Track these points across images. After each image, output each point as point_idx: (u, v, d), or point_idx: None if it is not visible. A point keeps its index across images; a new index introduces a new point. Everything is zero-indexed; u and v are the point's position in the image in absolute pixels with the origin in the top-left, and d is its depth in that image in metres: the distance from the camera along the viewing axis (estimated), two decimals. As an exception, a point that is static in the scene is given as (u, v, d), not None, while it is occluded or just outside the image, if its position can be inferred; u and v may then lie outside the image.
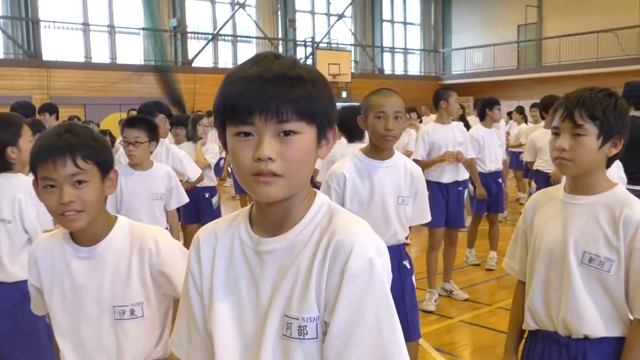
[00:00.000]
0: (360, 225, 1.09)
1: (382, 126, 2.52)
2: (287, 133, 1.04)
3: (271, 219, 1.12)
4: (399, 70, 24.77)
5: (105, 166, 1.56)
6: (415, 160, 4.98)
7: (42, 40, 16.71)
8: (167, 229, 3.48)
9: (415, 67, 25.29)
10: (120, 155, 4.39)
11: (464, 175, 5.18)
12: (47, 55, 16.67)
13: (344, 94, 20.90)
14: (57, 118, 7.54)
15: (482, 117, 6.12)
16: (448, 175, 5.05)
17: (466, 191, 6.02)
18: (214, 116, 1.10)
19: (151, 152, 3.52)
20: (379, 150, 2.61)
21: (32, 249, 1.68)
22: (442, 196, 5.03)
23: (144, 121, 3.47)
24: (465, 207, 5.44)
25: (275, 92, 1.02)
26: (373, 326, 1.02)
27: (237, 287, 1.13)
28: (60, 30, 17.19)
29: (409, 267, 2.69)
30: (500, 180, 6.13)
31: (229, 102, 1.05)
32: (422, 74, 25.05)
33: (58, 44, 16.87)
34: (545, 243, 1.83)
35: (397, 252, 2.67)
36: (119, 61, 17.97)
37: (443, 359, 3.99)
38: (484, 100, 6.19)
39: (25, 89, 15.37)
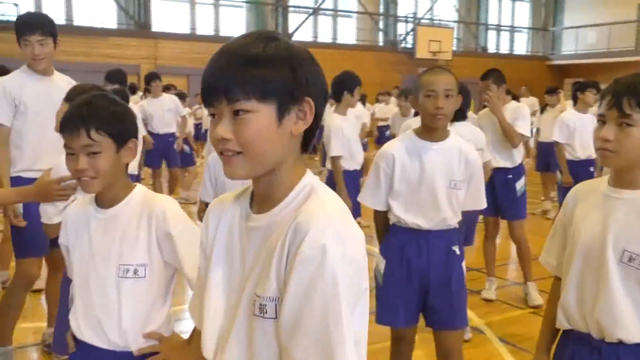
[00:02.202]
0: (327, 210, 1.05)
1: (432, 105, 2.44)
2: (237, 112, 1.04)
3: (257, 196, 1.15)
4: (504, 49, 23.77)
5: (121, 138, 1.66)
6: None
7: (152, 11, 17.50)
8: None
9: (521, 46, 24.16)
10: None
11: (510, 162, 4.55)
12: (156, 26, 17.46)
13: (444, 72, 20.40)
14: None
15: (574, 100, 5.81)
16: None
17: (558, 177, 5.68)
18: None
19: None
20: (430, 130, 2.52)
21: (66, 210, 1.83)
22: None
23: None
24: (517, 197, 4.65)
25: (223, 72, 1.04)
26: (319, 315, 0.99)
27: (231, 259, 1.17)
28: (168, 2, 17.92)
29: (458, 252, 2.60)
30: (591, 169, 5.76)
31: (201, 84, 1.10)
32: (529, 53, 23.90)
33: (166, 16, 17.62)
34: (582, 238, 1.71)
35: (446, 237, 2.58)
36: (222, 33, 18.51)
37: (506, 350, 3.87)
38: (576, 83, 5.87)
39: (134, 59, 16.22)
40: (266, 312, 1.06)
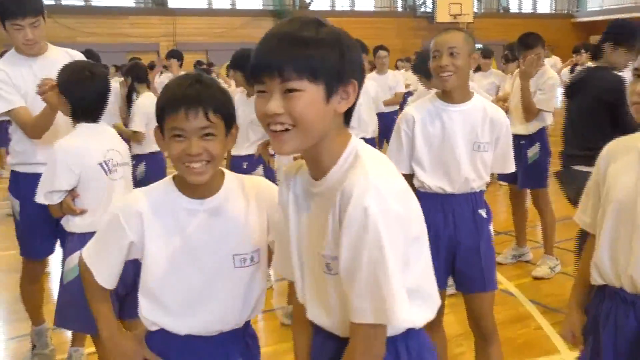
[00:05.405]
0: (368, 172, 1.15)
1: (437, 64, 2.40)
2: (290, 90, 1.13)
3: (309, 165, 1.27)
4: (527, 9, 23.21)
5: (230, 120, 1.50)
6: None
7: (168, -12, 17.44)
8: None
9: (545, 4, 23.55)
10: None
11: (525, 129, 4.36)
12: (173, 3, 17.42)
13: (465, 36, 20.02)
14: (181, 65, 7.86)
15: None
16: None
17: None
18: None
19: None
20: (447, 92, 2.48)
21: (133, 203, 1.54)
22: None
23: None
24: (528, 165, 4.41)
25: (277, 52, 1.14)
26: (368, 267, 1.13)
27: (300, 219, 1.32)
28: (184, -22, 17.80)
29: (485, 215, 2.57)
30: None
31: (251, 63, 1.19)
32: (553, 11, 23.31)
33: (183, -9, 17.56)
34: (616, 195, 1.68)
35: (472, 201, 2.54)
36: (239, 7, 18.39)
37: (537, 312, 3.85)
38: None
39: (153, 37, 16.26)
40: (331, 269, 1.22)
